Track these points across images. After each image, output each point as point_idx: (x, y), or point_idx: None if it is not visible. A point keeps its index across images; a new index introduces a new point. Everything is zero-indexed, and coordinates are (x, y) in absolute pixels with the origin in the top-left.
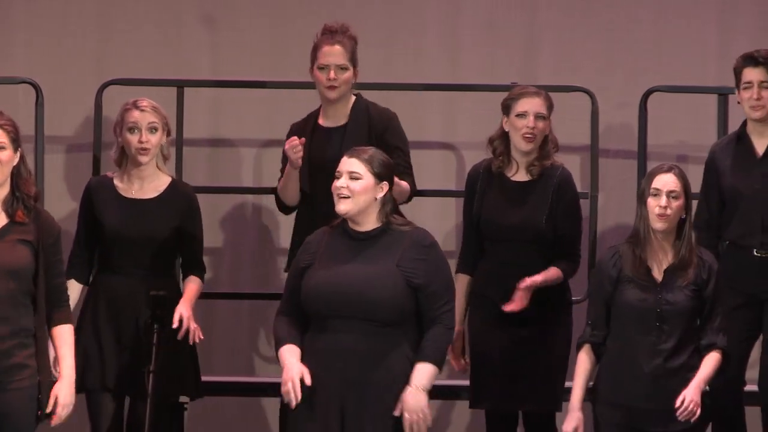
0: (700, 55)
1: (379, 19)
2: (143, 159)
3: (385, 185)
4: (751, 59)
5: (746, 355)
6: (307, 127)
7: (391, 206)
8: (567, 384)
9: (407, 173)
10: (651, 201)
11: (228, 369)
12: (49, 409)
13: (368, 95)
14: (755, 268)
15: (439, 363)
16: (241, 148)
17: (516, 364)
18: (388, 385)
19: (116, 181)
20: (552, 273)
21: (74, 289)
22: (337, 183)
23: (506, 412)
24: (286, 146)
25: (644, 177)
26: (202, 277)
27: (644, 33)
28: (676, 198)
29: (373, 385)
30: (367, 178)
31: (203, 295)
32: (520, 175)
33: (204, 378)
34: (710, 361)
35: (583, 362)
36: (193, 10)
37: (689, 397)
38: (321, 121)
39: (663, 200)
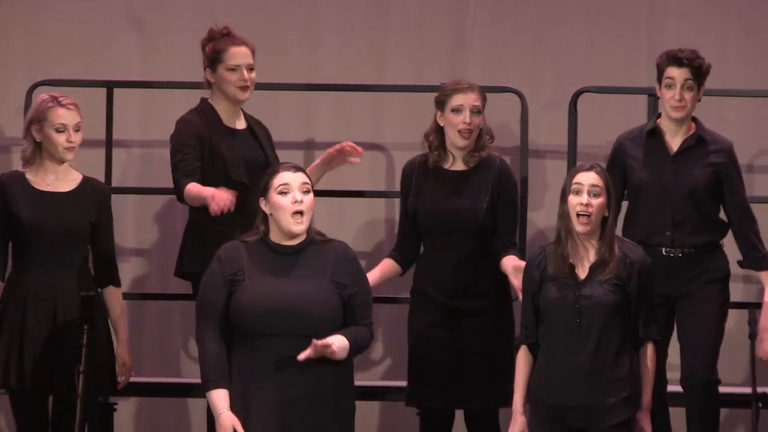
0: (630, 56)
1: (305, 19)
2: (69, 156)
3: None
4: (675, 59)
5: (664, 354)
6: (216, 127)
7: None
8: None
9: None
10: (572, 198)
11: (157, 370)
12: None
13: (295, 96)
14: (666, 268)
15: (352, 350)
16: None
17: (461, 362)
18: (327, 400)
19: (29, 176)
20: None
21: None
22: (296, 197)
23: (447, 411)
24: (223, 201)
25: (566, 176)
26: (119, 285)
27: (574, 33)
28: (597, 195)
29: (314, 401)
30: (311, 192)
31: (133, 296)
32: (457, 166)
33: (133, 379)
34: (647, 363)
35: (522, 363)
36: (123, 11)
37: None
38: (228, 123)
39: (584, 197)
